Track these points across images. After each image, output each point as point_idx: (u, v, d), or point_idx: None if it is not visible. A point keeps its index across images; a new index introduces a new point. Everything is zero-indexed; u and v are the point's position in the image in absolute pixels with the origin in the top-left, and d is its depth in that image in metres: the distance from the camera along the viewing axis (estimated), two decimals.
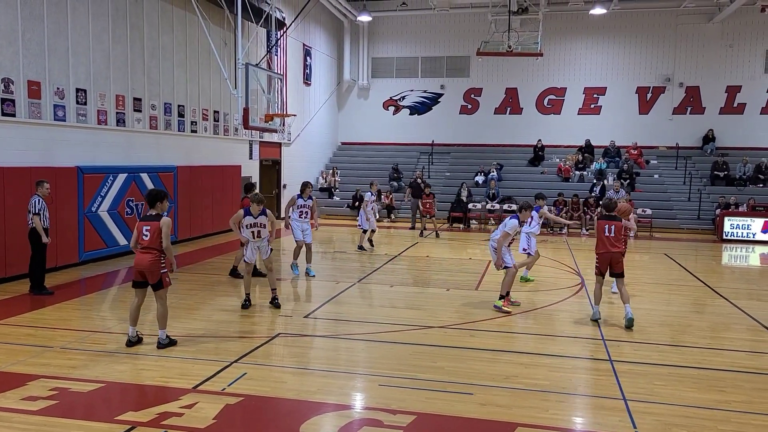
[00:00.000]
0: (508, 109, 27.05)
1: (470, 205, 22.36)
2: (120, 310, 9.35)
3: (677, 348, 7.77)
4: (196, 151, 16.91)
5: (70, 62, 12.47)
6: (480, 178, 24.26)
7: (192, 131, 16.79)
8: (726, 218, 19.58)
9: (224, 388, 6.04)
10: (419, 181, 21.59)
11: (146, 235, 7.23)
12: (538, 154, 25.45)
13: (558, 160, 25.09)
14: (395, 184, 24.59)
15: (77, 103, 12.71)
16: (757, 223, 19.32)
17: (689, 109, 25.53)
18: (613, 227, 8.69)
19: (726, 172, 23.08)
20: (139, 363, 6.75)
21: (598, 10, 23.35)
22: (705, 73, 25.16)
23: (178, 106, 16.13)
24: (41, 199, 9.96)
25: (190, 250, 15.07)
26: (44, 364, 6.65)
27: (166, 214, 7.54)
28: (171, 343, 7.38)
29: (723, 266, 15.73)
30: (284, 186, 22.68)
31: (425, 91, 27.70)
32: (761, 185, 22.44)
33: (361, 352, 7.54)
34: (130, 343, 7.34)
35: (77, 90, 12.69)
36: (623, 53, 25.84)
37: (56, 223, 11.54)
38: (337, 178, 25.55)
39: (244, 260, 9.63)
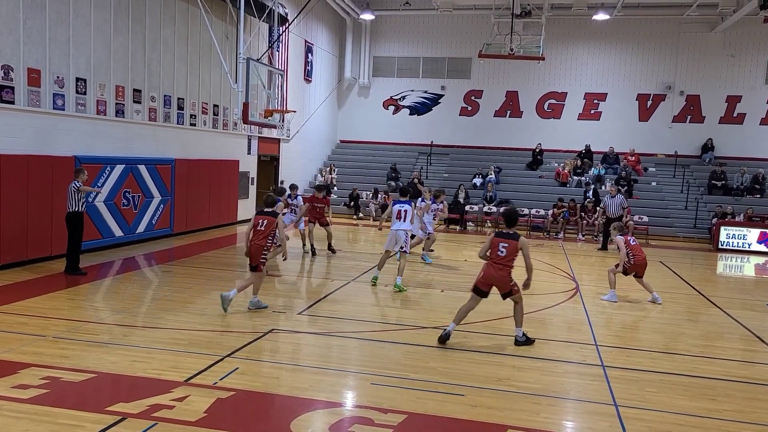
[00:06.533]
0: (508, 112, 27.06)
1: (467, 207, 22.37)
2: (114, 301, 9.34)
3: (669, 355, 7.78)
4: (195, 145, 16.87)
5: (70, 51, 12.42)
6: (478, 181, 24.26)
7: (191, 124, 16.76)
8: (722, 228, 19.62)
9: (216, 382, 6.03)
10: (416, 181, 21.63)
11: (502, 252, 7.59)
12: (536, 158, 25.46)
13: (556, 164, 25.11)
14: (393, 183, 24.58)
15: (77, 92, 12.67)
16: (753, 234, 19.36)
17: (689, 117, 25.56)
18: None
19: (724, 182, 23.12)
20: (131, 354, 6.73)
21: (601, 16, 23.38)
22: (706, 82, 25.19)
23: (178, 98, 16.10)
24: (80, 184, 10.67)
25: (186, 243, 15.05)
26: (36, 352, 6.63)
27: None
28: (528, 341, 7.73)
29: (718, 275, 15.76)
30: (281, 182, 22.64)
31: (426, 92, 27.69)
32: (758, 196, 22.49)
33: (353, 350, 7.54)
34: (446, 337, 7.61)
35: (77, 79, 12.65)
36: (625, 60, 25.86)
37: (52, 213, 11.53)
38: (334, 176, 25.54)
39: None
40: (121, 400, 5.49)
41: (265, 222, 8.67)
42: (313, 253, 14.09)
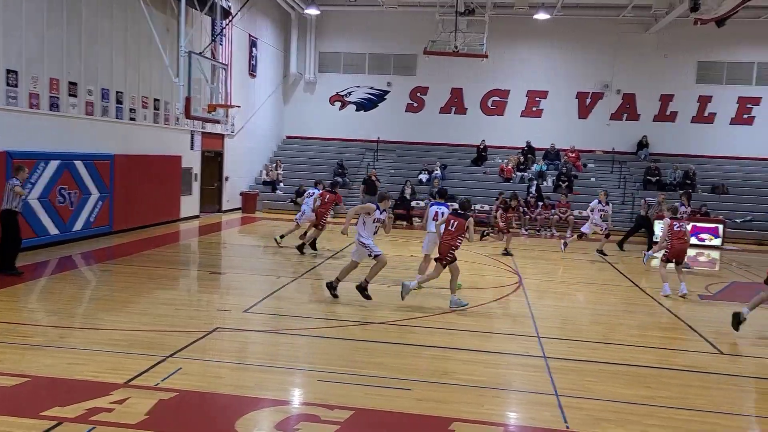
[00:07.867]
0: (453, 108, 27.36)
1: (413, 203, 22.51)
2: (49, 302, 9.00)
3: (608, 345, 8.04)
4: (135, 140, 16.39)
5: (0, 42, 11.87)
6: (424, 177, 24.45)
7: (131, 119, 16.27)
8: (656, 222, 20.32)
9: (158, 383, 5.89)
10: (373, 178, 21.62)
11: None
12: (481, 155, 25.85)
13: (500, 160, 25.56)
14: (339, 180, 24.49)
15: (7, 85, 12.12)
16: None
17: (625, 115, 26.45)
18: None
19: (658, 177, 24.04)
20: (68, 357, 6.51)
21: (542, 16, 23.89)
22: (641, 82, 26.09)
23: (117, 92, 15.60)
24: (20, 182, 10.35)
25: (127, 241, 14.63)
26: None
27: None
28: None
29: (652, 267, 16.35)
30: (226, 178, 22.28)
31: (372, 88, 27.70)
32: (690, 191, 23.40)
33: (300, 347, 7.50)
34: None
35: (7, 71, 12.10)
36: (565, 59, 26.52)
37: None
38: (280, 172, 25.28)
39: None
40: (57, 404, 5.30)
41: (456, 223, 9.37)
42: (302, 252, 13.93)
